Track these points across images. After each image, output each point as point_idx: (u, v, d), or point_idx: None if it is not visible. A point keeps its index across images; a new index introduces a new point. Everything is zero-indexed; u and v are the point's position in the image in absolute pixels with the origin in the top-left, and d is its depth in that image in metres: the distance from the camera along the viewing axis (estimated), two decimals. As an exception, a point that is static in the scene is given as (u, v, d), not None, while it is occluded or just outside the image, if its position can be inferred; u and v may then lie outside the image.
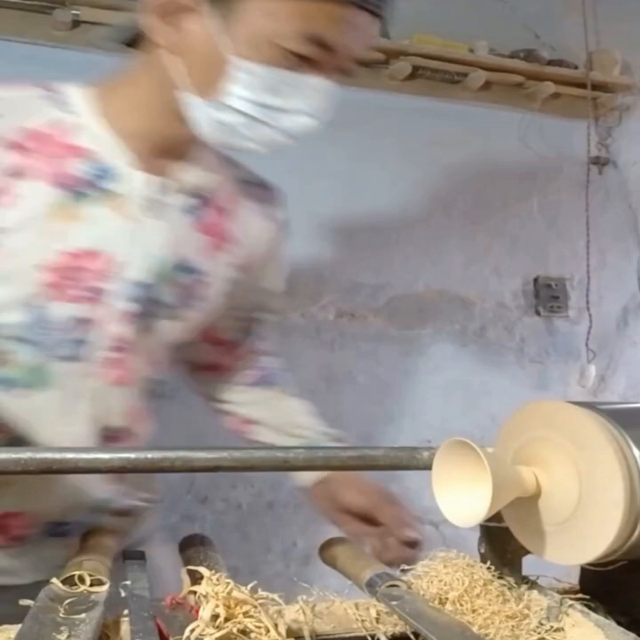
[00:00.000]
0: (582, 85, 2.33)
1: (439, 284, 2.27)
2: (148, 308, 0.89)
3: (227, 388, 1.14)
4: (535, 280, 2.42)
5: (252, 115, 0.80)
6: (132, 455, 0.69)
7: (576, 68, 2.33)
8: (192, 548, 0.83)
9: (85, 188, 0.83)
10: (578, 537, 0.64)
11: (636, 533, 0.62)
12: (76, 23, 1.92)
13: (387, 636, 0.64)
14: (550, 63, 2.31)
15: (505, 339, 2.39)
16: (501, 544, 0.73)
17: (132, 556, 0.78)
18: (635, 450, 0.62)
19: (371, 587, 0.69)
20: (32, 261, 0.81)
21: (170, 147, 0.88)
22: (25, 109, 0.85)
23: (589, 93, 2.33)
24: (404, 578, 0.71)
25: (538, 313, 2.42)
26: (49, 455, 0.68)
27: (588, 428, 0.64)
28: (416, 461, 0.75)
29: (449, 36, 2.15)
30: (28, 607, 0.60)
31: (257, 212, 1.00)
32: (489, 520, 0.65)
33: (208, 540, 0.86)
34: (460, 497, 0.66)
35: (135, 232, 0.86)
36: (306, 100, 0.80)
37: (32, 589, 0.70)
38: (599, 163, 2.44)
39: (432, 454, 0.71)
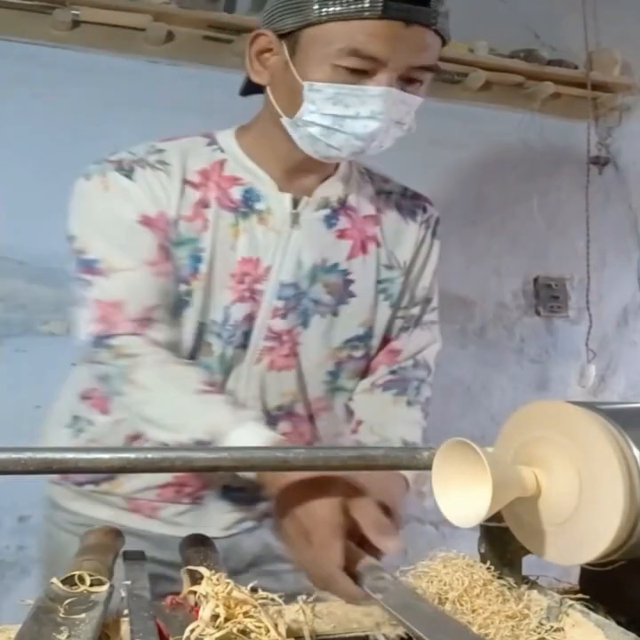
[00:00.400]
0: (582, 85, 2.33)
1: (439, 284, 2.27)
2: (299, 304, 1.05)
3: (360, 385, 1.18)
4: (535, 280, 2.42)
5: (325, 124, 0.96)
6: (132, 455, 0.69)
7: (576, 68, 2.34)
8: (192, 548, 0.83)
9: (242, 208, 1.04)
10: (578, 537, 0.64)
11: (636, 533, 0.62)
12: (76, 23, 1.92)
13: (387, 637, 0.64)
14: (550, 63, 2.31)
15: (505, 339, 2.39)
16: (501, 544, 0.73)
17: (132, 556, 0.78)
18: (635, 450, 0.62)
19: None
20: (226, 271, 1.02)
21: (298, 167, 1.05)
22: (192, 155, 1.05)
23: (589, 93, 2.34)
24: (402, 578, 0.71)
25: (538, 313, 2.42)
26: (49, 455, 0.68)
27: (588, 427, 0.64)
28: (416, 461, 0.75)
29: (449, 36, 2.15)
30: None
31: (401, 218, 1.14)
32: (489, 520, 0.65)
33: (208, 540, 0.86)
34: (460, 497, 0.66)
35: (279, 241, 1.04)
36: (366, 106, 0.94)
37: None
38: (599, 163, 2.44)
39: (432, 454, 0.71)
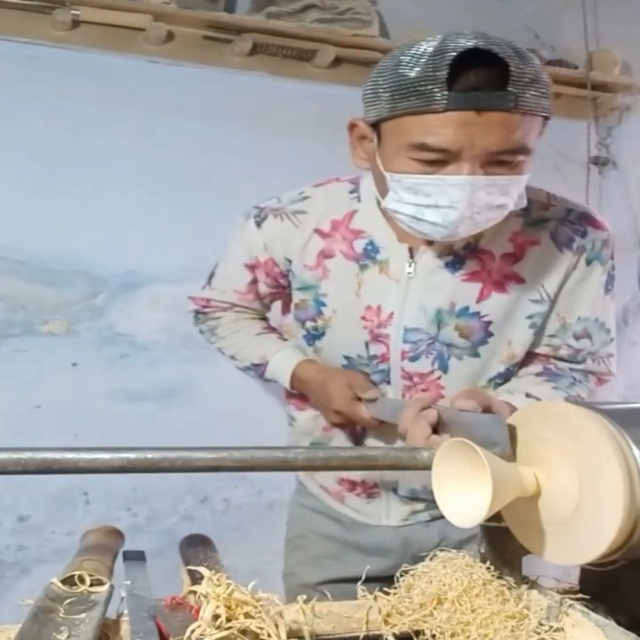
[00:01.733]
0: (582, 85, 2.33)
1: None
2: (431, 348, 1.10)
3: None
4: (535, 280, 2.41)
5: (408, 213, 0.98)
6: (132, 455, 0.69)
7: (576, 67, 2.33)
8: (192, 548, 0.83)
9: (364, 259, 1.10)
10: (578, 537, 0.64)
11: (636, 533, 0.62)
12: (76, 23, 1.92)
13: (396, 636, 0.64)
14: (550, 63, 2.30)
15: (505, 339, 2.39)
16: (501, 544, 0.73)
17: (132, 556, 0.78)
18: (635, 450, 0.62)
19: None
20: (355, 314, 1.11)
21: None
22: (333, 203, 1.13)
23: (589, 93, 2.33)
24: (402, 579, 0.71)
25: (538, 313, 2.42)
26: (49, 455, 0.68)
27: (588, 427, 0.64)
28: (416, 461, 0.75)
29: (449, 36, 2.15)
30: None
31: (556, 247, 1.11)
32: (489, 520, 0.65)
33: (208, 539, 0.86)
34: (460, 497, 0.66)
35: (398, 289, 1.09)
36: (445, 196, 0.94)
37: (379, 530, 1.22)
38: (599, 163, 2.44)
39: (432, 454, 0.71)
